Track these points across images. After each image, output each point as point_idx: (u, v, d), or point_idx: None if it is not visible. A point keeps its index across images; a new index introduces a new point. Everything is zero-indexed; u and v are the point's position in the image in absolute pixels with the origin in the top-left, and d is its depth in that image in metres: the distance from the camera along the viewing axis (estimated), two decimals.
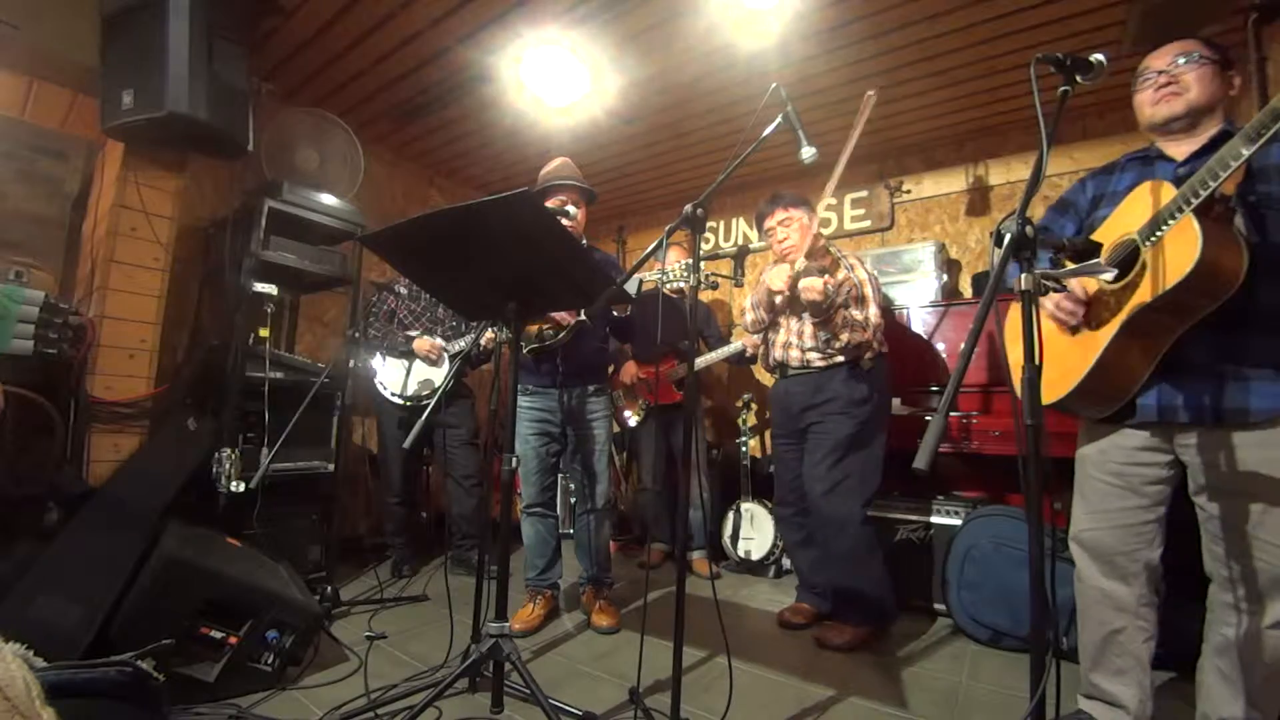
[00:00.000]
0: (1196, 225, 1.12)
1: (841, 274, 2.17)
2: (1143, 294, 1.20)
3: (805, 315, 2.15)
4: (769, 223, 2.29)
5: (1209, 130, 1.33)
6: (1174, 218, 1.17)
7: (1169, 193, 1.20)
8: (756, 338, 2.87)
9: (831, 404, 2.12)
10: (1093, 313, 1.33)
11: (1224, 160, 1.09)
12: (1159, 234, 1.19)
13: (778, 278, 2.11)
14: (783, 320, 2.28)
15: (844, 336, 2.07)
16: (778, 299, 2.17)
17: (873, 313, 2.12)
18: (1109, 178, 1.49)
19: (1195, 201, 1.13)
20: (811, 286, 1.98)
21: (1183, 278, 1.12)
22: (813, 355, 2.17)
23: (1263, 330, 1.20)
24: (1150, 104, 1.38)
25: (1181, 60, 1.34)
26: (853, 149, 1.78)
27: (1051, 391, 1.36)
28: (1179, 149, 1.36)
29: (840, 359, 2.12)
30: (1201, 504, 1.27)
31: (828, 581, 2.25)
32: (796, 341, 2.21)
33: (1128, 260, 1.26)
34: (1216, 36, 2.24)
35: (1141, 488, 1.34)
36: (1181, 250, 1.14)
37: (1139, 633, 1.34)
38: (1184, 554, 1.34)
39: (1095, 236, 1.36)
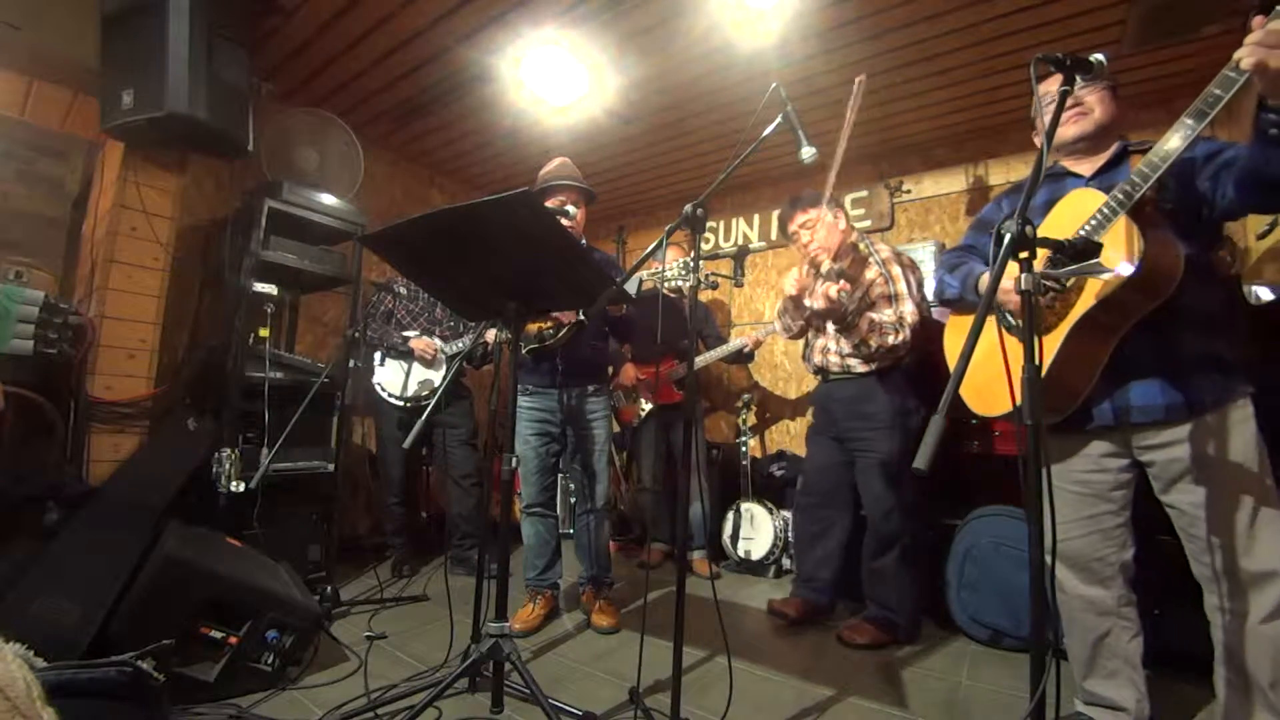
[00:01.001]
0: (1134, 224, 1.18)
1: (871, 272, 2.10)
2: (1089, 295, 1.23)
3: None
4: (792, 227, 2.25)
5: (1110, 148, 1.41)
6: (1109, 219, 1.20)
7: (1097, 198, 1.23)
8: (758, 335, 2.88)
9: (877, 417, 2.06)
10: (1042, 318, 1.35)
11: (1159, 155, 1.13)
12: (1096, 236, 1.21)
13: (789, 281, 2.07)
14: (821, 325, 2.22)
15: (872, 341, 2.00)
16: (810, 301, 2.11)
17: (907, 310, 2.04)
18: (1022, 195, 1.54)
19: (1130, 202, 1.18)
20: (821, 293, 1.92)
21: (1132, 272, 1.16)
22: (853, 361, 2.11)
23: (1192, 328, 1.26)
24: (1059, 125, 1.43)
25: (1082, 85, 1.38)
26: (848, 142, 1.77)
27: (1004, 402, 1.36)
28: (1083, 166, 1.44)
29: (879, 364, 2.06)
30: (1168, 502, 1.29)
31: (834, 577, 2.23)
32: (835, 347, 2.16)
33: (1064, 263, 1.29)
34: (1215, 37, 2.26)
35: (1107, 493, 1.36)
36: (1123, 249, 1.18)
37: (1124, 632, 1.36)
38: (1162, 555, 1.37)
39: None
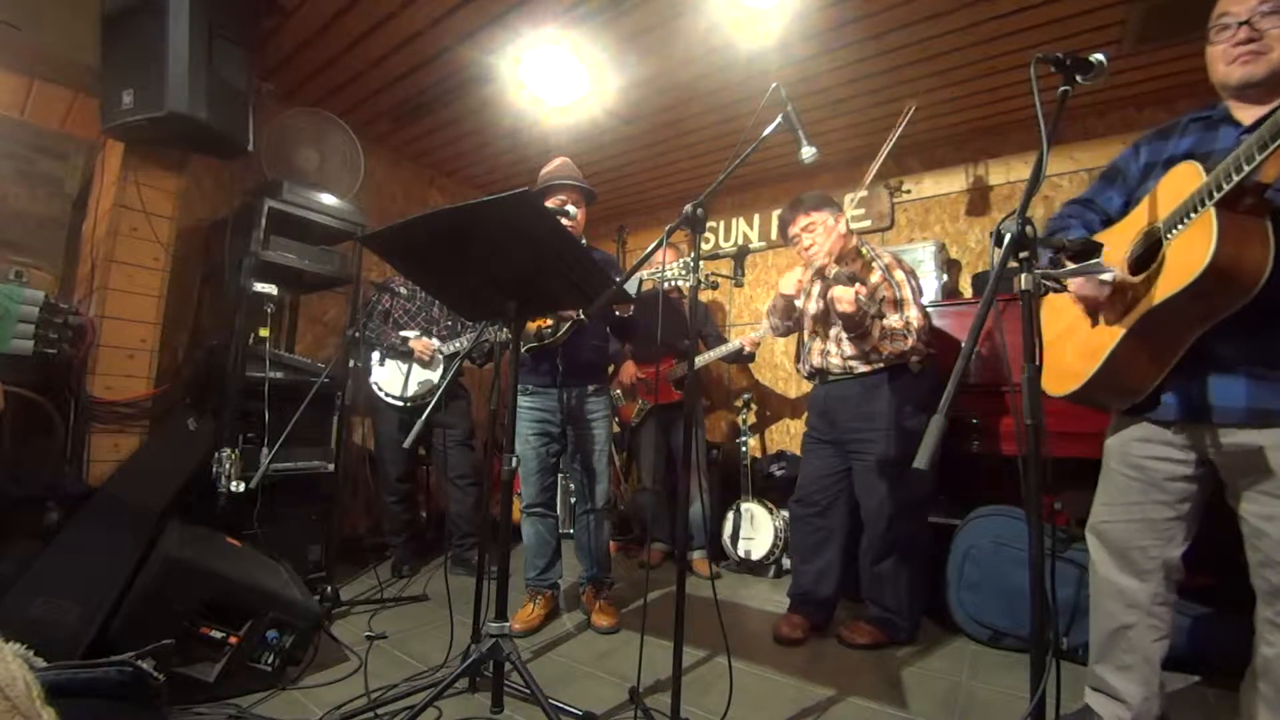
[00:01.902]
0: (1215, 223, 1.03)
1: (876, 276, 2.07)
2: (1157, 293, 1.13)
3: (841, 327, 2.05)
4: (793, 230, 2.20)
5: None
6: (1196, 211, 1.06)
7: (1196, 180, 1.08)
8: (756, 335, 2.87)
9: (880, 418, 2.01)
10: (1115, 304, 1.25)
11: (1259, 142, 0.96)
12: (1180, 227, 1.10)
13: (788, 282, 2.02)
14: (817, 325, 2.19)
15: (884, 349, 1.97)
16: (807, 303, 2.07)
17: (913, 315, 2.02)
18: (1165, 143, 1.33)
19: (1219, 194, 1.02)
20: (842, 297, 1.87)
21: (1189, 283, 1.06)
22: (855, 362, 2.07)
23: None
24: (1225, 61, 1.18)
25: (1266, 8, 1.12)
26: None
27: (1070, 382, 1.34)
28: (1249, 113, 1.18)
29: (883, 365, 2.04)
30: (1236, 509, 1.20)
31: (835, 591, 2.18)
32: (835, 349, 2.11)
33: (1150, 251, 1.19)
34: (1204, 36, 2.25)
35: (1164, 484, 1.27)
36: (1195, 250, 1.05)
37: (1150, 631, 1.29)
38: (1211, 554, 1.31)
39: (1130, 217, 1.30)
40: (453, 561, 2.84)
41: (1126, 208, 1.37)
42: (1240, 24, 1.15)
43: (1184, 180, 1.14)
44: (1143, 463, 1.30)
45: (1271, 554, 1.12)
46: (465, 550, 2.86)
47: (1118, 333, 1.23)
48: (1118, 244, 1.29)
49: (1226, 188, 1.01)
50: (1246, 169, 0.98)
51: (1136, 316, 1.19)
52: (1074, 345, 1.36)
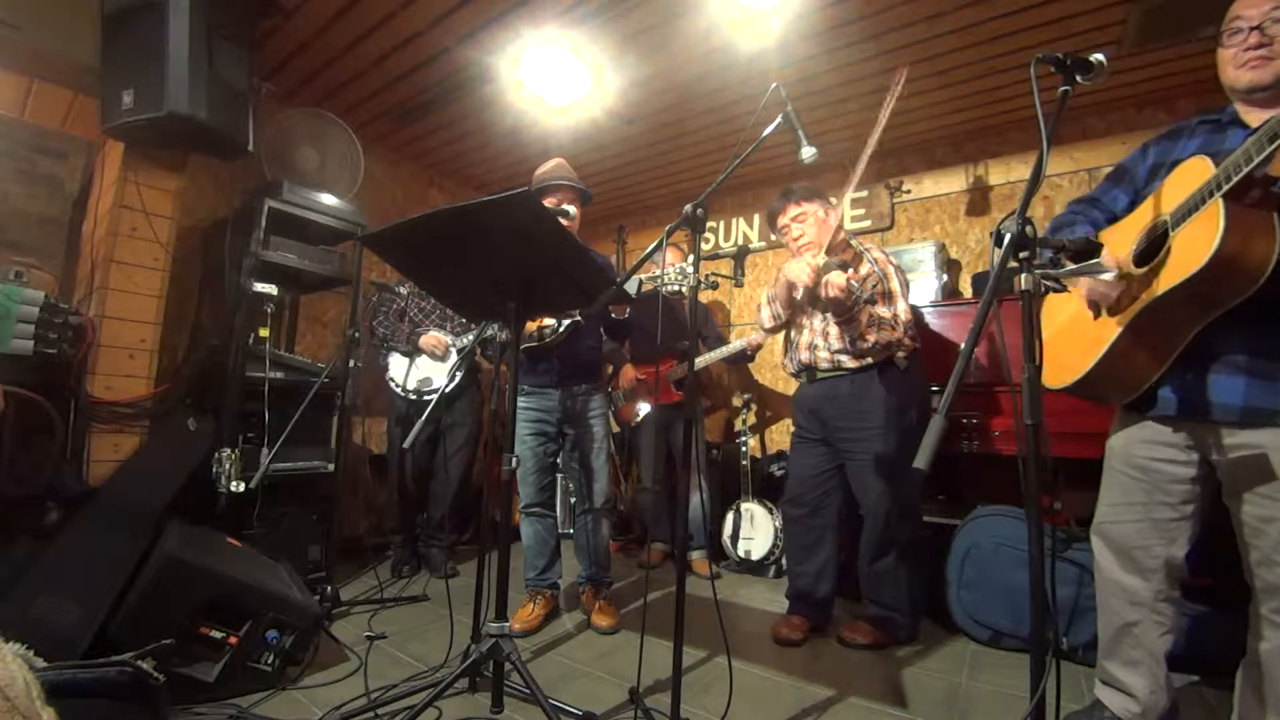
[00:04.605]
0: (1222, 213, 1.03)
1: (865, 268, 2.05)
2: (1160, 284, 1.14)
3: (828, 314, 2.03)
4: (782, 219, 2.16)
5: None
6: (1205, 202, 1.07)
7: (1205, 173, 1.09)
8: (757, 337, 2.87)
9: (872, 416, 2.00)
10: (1119, 297, 1.25)
11: (1268, 134, 0.96)
12: (1188, 219, 1.11)
13: (798, 270, 1.96)
14: (804, 319, 2.16)
15: (871, 337, 1.96)
16: (797, 294, 2.02)
17: (901, 309, 2.01)
18: (1174, 144, 1.34)
19: (1227, 185, 1.03)
20: (834, 283, 1.84)
21: (1194, 272, 1.06)
22: (843, 357, 2.05)
23: None
24: (1234, 65, 1.20)
25: (1278, 14, 1.14)
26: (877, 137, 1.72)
27: (1069, 374, 1.35)
28: (1257, 116, 1.19)
29: (871, 359, 2.02)
30: (1232, 507, 1.21)
31: (833, 589, 2.17)
32: (823, 343, 2.09)
33: (1156, 243, 1.19)
34: (1215, 37, 2.25)
35: (1166, 485, 1.28)
36: (1202, 240, 1.05)
37: (1154, 627, 1.31)
38: (1210, 555, 1.32)
39: (1136, 213, 1.31)
40: (422, 561, 2.87)
41: (1132, 206, 1.38)
42: (1252, 29, 1.16)
43: (1193, 174, 1.13)
44: (1146, 464, 1.31)
45: (1269, 554, 1.14)
46: (428, 547, 2.87)
47: (1118, 325, 1.23)
48: (1123, 239, 1.29)
49: (1235, 178, 1.01)
50: (1256, 159, 0.98)
51: (1138, 309, 1.18)
52: (1076, 338, 1.36)
